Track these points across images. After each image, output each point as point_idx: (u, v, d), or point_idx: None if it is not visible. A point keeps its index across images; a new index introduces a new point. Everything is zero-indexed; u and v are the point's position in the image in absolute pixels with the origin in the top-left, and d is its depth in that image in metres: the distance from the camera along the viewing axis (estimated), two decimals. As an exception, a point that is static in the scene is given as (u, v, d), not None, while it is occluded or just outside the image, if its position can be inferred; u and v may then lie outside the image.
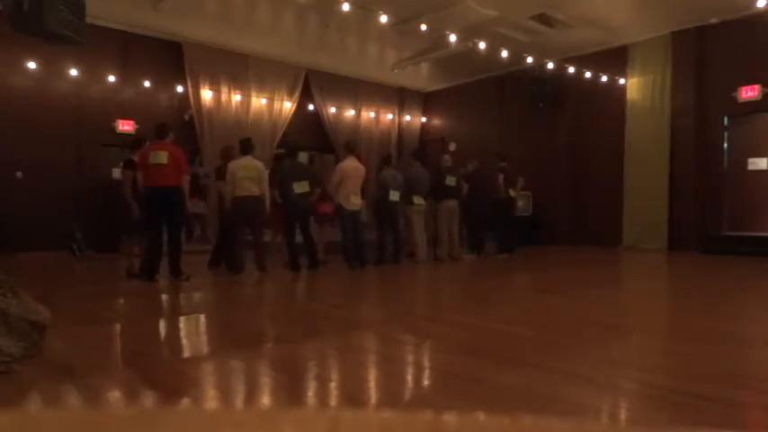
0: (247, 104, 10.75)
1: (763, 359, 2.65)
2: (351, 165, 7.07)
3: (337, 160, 11.64)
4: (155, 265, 5.60)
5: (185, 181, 5.69)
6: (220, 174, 6.73)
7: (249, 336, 3.33)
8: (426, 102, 13.95)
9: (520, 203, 10.61)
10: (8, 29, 5.82)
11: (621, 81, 10.13)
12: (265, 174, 6.52)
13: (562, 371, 2.29)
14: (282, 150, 9.03)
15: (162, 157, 5.49)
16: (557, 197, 11.08)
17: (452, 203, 8.04)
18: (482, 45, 9.33)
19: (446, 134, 13.42)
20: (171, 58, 9.84)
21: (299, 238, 6.81)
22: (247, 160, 6.40)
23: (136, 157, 5.82)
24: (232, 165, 6.34)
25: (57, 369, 2.37)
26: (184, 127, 9.82)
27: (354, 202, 6.99)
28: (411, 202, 7.69)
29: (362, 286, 5.86)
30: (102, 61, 9.16)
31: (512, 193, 8.69)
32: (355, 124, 12.61)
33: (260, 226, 6.61)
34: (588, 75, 10.21)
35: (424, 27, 8.75)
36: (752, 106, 8.75)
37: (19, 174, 8.45)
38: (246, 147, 6.47)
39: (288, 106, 11.25)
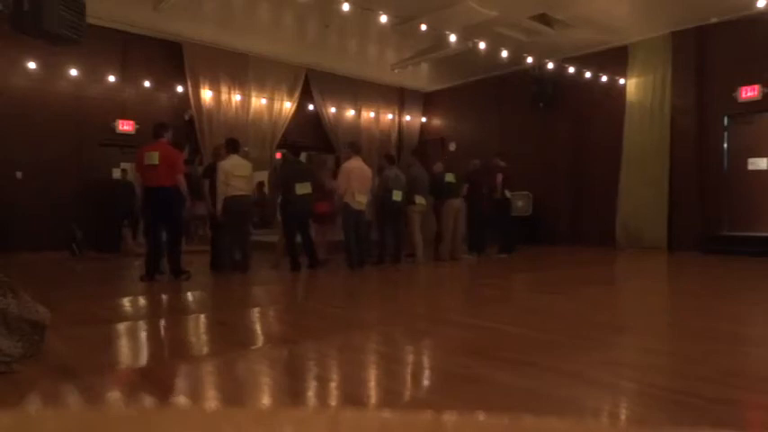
0: (247, 104, 10.74)
1: (763, 359, 2.65)
2: (356, 165, 7.08)
3: (337, 160, 11.62)
4: (155, 264, 5.61)
5: (180, 180, 5.66)
6: (207, 173, 6.64)
7: (249, 336, 3.33)
8: (426, 102, 13.94)
9: (520, 204, 10.61)
10: (8, 29, 5.82)
11: (621, 81, 10.12)
12: (252, 173, 6.59)
13: (562, 371, 2.29)
14: (284, 150, 8.97)
15: (154, 157, 5.48)
16: (557, 197, 11.08)
17: (458, 202, 8.02)
18: (482, 45, 9.32)
19: (446, 134, 13.41)
20: (171, 58, 9.84)
21: (298, 238, 6.82)
22: (239, 159, 6.41)
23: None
24: (226, 164, 6.24)
25: (57, 369, 2.37)
26: (184, 127, 9.82)
27: (360, 201, 7.01)
28: (413, 202, 7.69)
29: (362, 286, 5.86)
30: (102, 61, 9.16)
31: (507, 194, 8.68)
32: (355, 124, 12.60)
33: (248, 225, 6.62)
34: (588, 75, 10.20)
35: (424, 27, 8.73)
36: (752, 106, 8.74)
37: (19, 174, 8.45)
38: (236, 146, 6.47)
39: (288, 106, 11.25)
